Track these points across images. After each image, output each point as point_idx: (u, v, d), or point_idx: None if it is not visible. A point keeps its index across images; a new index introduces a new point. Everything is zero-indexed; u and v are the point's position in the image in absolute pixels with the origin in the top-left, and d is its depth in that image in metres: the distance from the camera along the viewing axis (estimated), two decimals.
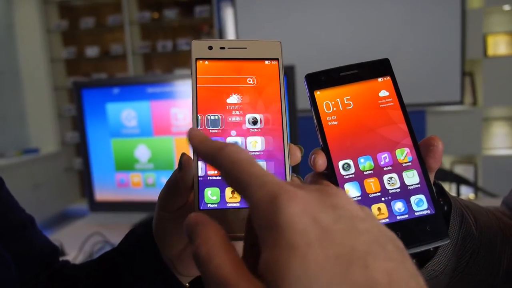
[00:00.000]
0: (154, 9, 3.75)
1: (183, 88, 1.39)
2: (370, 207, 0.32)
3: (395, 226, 0.31)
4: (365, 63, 0.36)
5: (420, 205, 0.32)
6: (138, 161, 1.45)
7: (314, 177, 0.34)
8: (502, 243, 0.42)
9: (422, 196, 0.32)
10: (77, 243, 1.23)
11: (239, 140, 0.31)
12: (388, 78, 0.35)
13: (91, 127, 1.48)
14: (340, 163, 0.33)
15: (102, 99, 1.45)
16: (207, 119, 0.31)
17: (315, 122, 0.34)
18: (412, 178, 0.32)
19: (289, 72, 1.29)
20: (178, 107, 1.39)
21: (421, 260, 0.39)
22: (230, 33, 3.41)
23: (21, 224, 0.47)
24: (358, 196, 0.32)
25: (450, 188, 3.00)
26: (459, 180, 1.92)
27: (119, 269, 0.39)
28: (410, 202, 0.32)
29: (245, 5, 3.18)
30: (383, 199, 0.32)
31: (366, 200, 0.32)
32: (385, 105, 0.34)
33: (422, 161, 0.33)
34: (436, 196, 0.39)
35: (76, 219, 1.69)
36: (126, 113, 1.44)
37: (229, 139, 0.31)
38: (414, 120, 2.85)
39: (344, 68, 0.35)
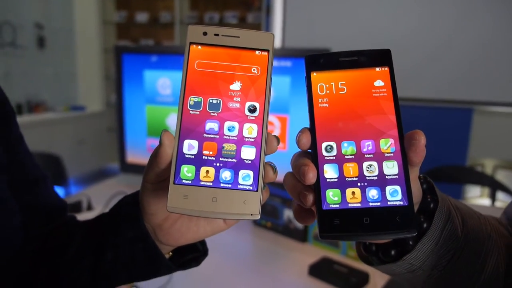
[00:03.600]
0: None
1: None
2: (345, 190, 0.32)
3: (365, 211, 0.31)
4: (366, 51, 0.35)
5: (394, 195, 0.32)
6: (169, 129, 1.49)
7: (299, 156, 0.34)
8: (488, 250, 0.41)
9: (398, 187, 0.32)
10: (103, 199, 1.30)
11: (216, 122, 0.32)
12: (387, 68, 0.34)
13: (128, 91, 1.54)
14: (324, 144, 0.33)
15: (141, 66, 1.50)
16: (192, 101, 0.32)
17: (307, 102, 0.35)
18: (391, 168, 0.32)
19: None
20: None
21: (399, 252, 0.39)
22: (278, 10, 3.36)
23: (35, 179, 0.50)
24: (335, 178, 0.32)
25: (484, 193, 2.86)
26: (496, 185, 1.82)
27: (106, 231, 0.42)
28: (385, 191, 0.32)
29: None
30: (359, 184, 0.32)
31: (342, 183, 0.32)
32: (378, 94, 0.34)
33: (404, 153, 0.33)
34: (425, 193, 0.38)
35: (109, 177, 1.78)
36: (162, 81, 1.48)
37: (209, 121, 0.32)
38: (460, 117, 2.75)
39: (344, 54, 0.35)
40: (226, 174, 0.31)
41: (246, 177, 0.31)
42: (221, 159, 0.32)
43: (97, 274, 0.42)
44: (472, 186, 2.86)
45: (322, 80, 0.34)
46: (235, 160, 0.32)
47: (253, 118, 0.32)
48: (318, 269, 0.98)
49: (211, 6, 3.86)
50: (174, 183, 0.31)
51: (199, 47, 0.33)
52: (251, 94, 0.33)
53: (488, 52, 2.74)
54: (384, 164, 0.32)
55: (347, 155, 0.33)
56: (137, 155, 1.58)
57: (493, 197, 1.81)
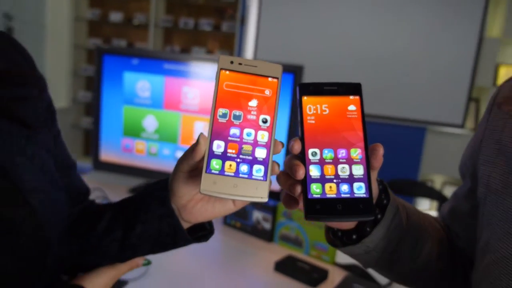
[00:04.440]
0: None
1: (198, 69, 1.49)
2: (324, 185, 0.42)
3: (338, 200, 0.42)
4: (344, 83, 0.45)
5: (360, 190, 0.42)
6: (145, 130, 1.55)
7: (291, 158, 0.44)
8: (425, 239, 0.53)
9: (362, 184, 0.42)
10: None
11: (238, 129, 0.42)
12: (358, 97, 0.45)
13: (106, 90, 1.58)
14: (310, 150, 0.43)
15: (121, 67, 1.55)
16: (221, 112, 0.41)
17: (299, 119, 0.45)
18: (358, 170, 0.43)
19: (297, 71, 1.39)
20: (190, 86, 1.48)
21: (359, 237, 0.49)
22: (252, 20, 3.48)
23: (68, 165, 0.60)
24: (318, 176, 0.43)
25: (433, 206, 3.08)
26: (444, 200, 2.01)
27: (136, 209, 0.51)
28: (353, 187, 0.42)
29: None
30: (334, 181, 0.42)
31: (323, 179, 0.42)
32: (351, 116, 0.44)
33: (368, 160, 0.43)
34: (380, 192, 0.49)
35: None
36: (141, 84, 1.53)
37: (232, 128, 0.42)
38: (414, 135, 2.96)
39: (328, 84, 0.45)
40: (244, 168, 0.41)
41: (258, 171, 0.41)
42: (240, 156, 0.41)
43: (125, 245, 0.51)
44: (422, 199, 3.08)
45: (310, 103, 0.44)
46: (251, 158, 0.41)
47: (265, 127, 0.42)
48: (283, 266, 1.08)
49: (185, 12, 3.93)
50: (205, 172, 0.40)
51: (227, 72, 0.42)
52: (264, 109, 0.42)
53: (442, 78, 2.99)
54: (353, 166, 0.43)
55: (327, 159, 0.43)
56: (111, 153, 1.62)
57: (439, 207, 1.99)
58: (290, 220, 1.22)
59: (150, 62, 1.53)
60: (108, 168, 1.62)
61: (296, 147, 0.43)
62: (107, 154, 1.62)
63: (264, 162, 0.41)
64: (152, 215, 0.50)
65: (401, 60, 3.04)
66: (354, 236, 0.50)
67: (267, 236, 1.25)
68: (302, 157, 0.43)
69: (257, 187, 0.40)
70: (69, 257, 0.55)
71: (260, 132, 0.42)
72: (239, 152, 0.41)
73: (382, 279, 1.05)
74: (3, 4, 3.42)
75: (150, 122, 1.55)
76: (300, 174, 0.41)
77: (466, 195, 0.56)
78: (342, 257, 1.12)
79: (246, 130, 0.42)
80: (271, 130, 0.42)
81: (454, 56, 2.94)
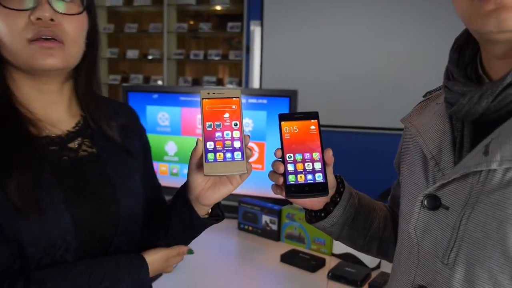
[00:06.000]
0: (191, 20, 4.15)
1: None
2: (297, 175, 0.65)
3: (306, 184, 0.64)
4: (307, 112, 0.68)
5: (319, 178, 0.65)
6: (167, 154, 1.80)
7: (275, 161, 0.66)
8: (373, 216, 0.75)
9: (321, 174, 0.65)
10: None
11: (220, 132, 0.64)
12: (316, 120, 0.68)
13: None
14: (287, 155, 0.66)
15: (144, 102, 1.82)
16: (207, 124, 0.64)
17: (279, 136, 0.67)
18: (318, 165, 0.66)
19: (292, 95, 1.63)
20: None
21: (325, 214, 0.72)
22: (257, 48, 3.77)
23: (152, 183, 0.85)
24: (292, 170, 0.65)
25: None
26: None
27: (170, 205, 0.76)
28: (315, 176, 0.65)
29: (271, 26, 3.54)
30: (303, 173, 0.65)
31: (295, 172, 0.65)
32: (312, 132, 0.68)
33: (323, 159, 0.66)
34: (338, 184, 0.72)
35: None
36: (161, 114, 1.80)
37: (216, 132, 0.64)
38: (396, 141, 3.13)
39: (297, 113, 0.69)
40: (228, 155, 0.63)
41: (237, 155, 0.63)
42: (225, 148, 0.63)
43: (186, 226, 0.73)
44: None
45: (286, 125, 0.68)
46: (231, 148, 0.63)
47: (236, 128, 0.64)
48: (287, 257, 1.30)
49: (195, 44, 4.27)
50: (205, 162, 0.63)
51: (206, 99, 0.65)
52: (233, 117, 0.65)
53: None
54: (315, 163, 0.66)
55: (298, 160, 0.66)
56: None
57: None
58: (293, 220, 1.44)
59: (168, 96, 1.80)
60: None
61: (278, 153, 0.66)
62: None
63: (240, 149, 0.64)
64: (176, 208, 0.73)
65: (400, 74, 3.26)
66: (322, 214, 0.72)
67: (275, 236, 1.48)
68: (282, 160, 0.66)
69: (239, 165, 0.63)
70: (140, 239, 0.77)
71: (234, 132, 0.65)
72: (223, 146, 0.64)
73: (370, 263, 1.25)
74: None
75: (170, 147, 1.81)
76: (281, 169, 0.65)
77: (398, 183, 0.77)
78: (338, 249, 1.33)
79: (225, 132, 0.64)
80: (240, 129, 0.65)
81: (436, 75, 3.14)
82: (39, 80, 0.67)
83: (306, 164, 0.65)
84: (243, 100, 1.74)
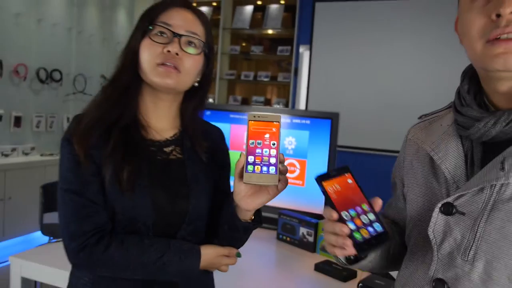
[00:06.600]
0: (244, 43, 4.39)
1: None
2: (360, 231, 0.61)
3: (372, 238, 0.61)
4: (338, 168, 0.72)
5: (378, 227, 0.63)
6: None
7: (330, 224, 0.63)
8: (394, 237, 0.82)
9: (378, 224, 0.63)
10: None
11: (260, 149, 0.75)
12: (349, 174, 0.67)
13: None
14: (343, 213, 0.63)
15: None
16: (251, 141, 0.77)
17: (325, 197, 0.64)
18: (371, 216, 0.63)
19: (334, 117, 1.74)
20: None
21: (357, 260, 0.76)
22: (305, 71, 3.92)
23: (224, 189, 0.97)
24: (355, 228, 0.61)
25: None
26: None
27: (221, 209, 0.89)
28: (373, 227, 0.63)
29: (320, 50, 3.69)
30: (363, 227, 0.62)
31: (358, 228, 0.62)
32: (351, 186, 0.69)
33: (373, 208, 0.64)
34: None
35: None
36: None
37: (257, 149, 0.75)
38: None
39: (331, 171, 0.66)
40: (264, 168, 0.74)
41: (272, 169, 0.74)
42: (263, 162, 0.74)
43: (230, 227, 0.86)
44: None
45: (329, 185, 0.65)
46: (268, 163, 0.74)
47: (274, 147, 0.75)
48: (321, 266, 1.39)
49: (246, 66, 4.49)
50: (245, 172, 0.74)
51: (252, 121, 0.77)
52: (272, 138, 0.76)
53: None
54: (368, 215, 0.63)
55: (353, 216, 0.63)
56: None
57: None
58: None
59: (219, 113, 1.97)
60: None
61: (334, 215, 0.63)
62: None
63: (275, 165, 0.75)
64: (224, 209, 0.87)
65: (445, 103, 3.26)
66: (351, 257, 0.75)
67: (311, 247, 1.58)
68: (339, 220, 0.62)
69: (272, 177, 0.74)
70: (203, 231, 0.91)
71: (271, 150, 0.76)
72: (262, 161, 0.75)
73: None
74: (99, 68, 4.20)
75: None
76: (346, 230, 0.61)
77: (402, 194, 0.81)
78: None
79: (264, 150, 0.76)
80: (277, 148, 0.76)
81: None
82: (156, 96, 0.88)
83: (362, 217, 0.64)
84: (288, 120, 1.89)
